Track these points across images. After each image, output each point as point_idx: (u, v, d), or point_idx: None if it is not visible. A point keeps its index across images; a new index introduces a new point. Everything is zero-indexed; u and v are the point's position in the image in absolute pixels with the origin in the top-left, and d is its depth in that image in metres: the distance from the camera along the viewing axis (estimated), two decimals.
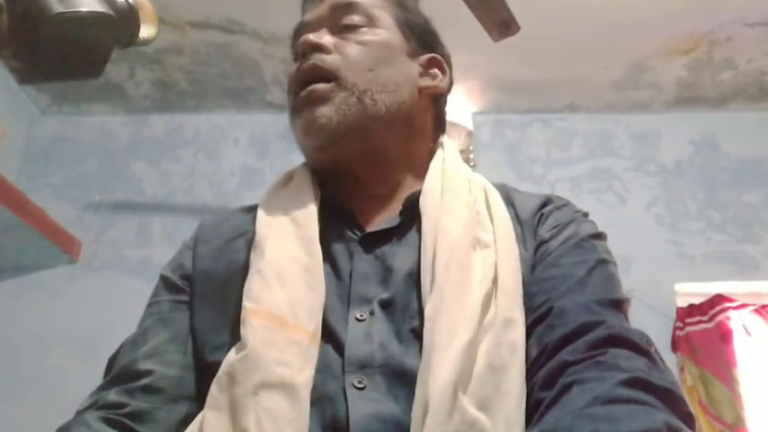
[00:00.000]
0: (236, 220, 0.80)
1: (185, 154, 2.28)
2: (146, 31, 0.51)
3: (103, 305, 1.96)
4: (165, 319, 0.72)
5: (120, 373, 0.68)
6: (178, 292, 0.75)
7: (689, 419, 0.53)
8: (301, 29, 0.82)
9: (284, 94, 2.69)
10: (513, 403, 0.58)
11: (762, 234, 2.09)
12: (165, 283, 0.76)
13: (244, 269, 0.69)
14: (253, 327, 0.61)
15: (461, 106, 2.20)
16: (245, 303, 0.64)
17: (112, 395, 0.65)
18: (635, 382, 0.53)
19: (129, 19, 0.49)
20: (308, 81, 0.75)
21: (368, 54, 0.76)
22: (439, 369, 0.56)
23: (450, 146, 0.83)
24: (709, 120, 2.27)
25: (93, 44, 0.46)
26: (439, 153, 0.80)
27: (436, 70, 0.84)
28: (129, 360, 0.69)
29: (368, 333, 0.63)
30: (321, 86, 0.74)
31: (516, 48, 1.67)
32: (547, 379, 0.58)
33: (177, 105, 2.31)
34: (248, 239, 0.73)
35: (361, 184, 0.78)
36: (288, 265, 0.66)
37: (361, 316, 0.65)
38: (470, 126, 2.16)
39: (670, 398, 0.53)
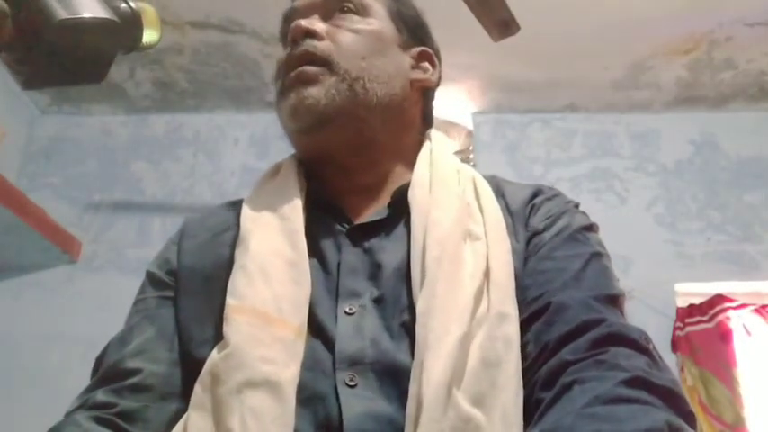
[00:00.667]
0: (222, 216, 0.78)
1: (185, 154, 2.28)
2: (149, 36, 0.51)
3: (103, 305, 1.95)
4: (152, 316, 0.71)
5: (107, 372, 0.67)
6: (164, 288, 0.74)
7: (690, 418, 0.53)
8: (292, 14, 0.81)
9: None
10: (510, 399, 0.57)
11: (762, 234, 2.09)
12: (151, 279, 0.75)
13: (229, 264, 0.68)
14: (236, 323, 0.60)
15: (461, 106, 2.20)
16: (229, 300, 0.63)
17: (100, 395, 0.64)
18: (636, 382, 0.53)
19: (133, 24, 0.49)
20: (299, 66, 0.74)
21: (361, 43, 0.75)
22: (432, 366, 0.55)
23: (438, 138, 0.82)
24: (710, 120, 2.27)
25: (97, 49, 0.46)
26: (427, 145, 0.79)
27: (427, 64, 0.83)
28: (116, 359, 0.68)
29: (358, 328, 0.62)
30: (311, 68, 0.73)
31: (516, 48, 1.67)
32: (547, 378, 0.58)
33: (177, 105, 2.31)
34: (234, 234, 0.72)
35: (348, 175, 0.77)
36: (272, 260, 0.65)
37: (350, 309, 0.64)
38: (470, 126, 2.17)
39: (671, 397, 0.53)
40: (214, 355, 0.60)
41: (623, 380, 0.53)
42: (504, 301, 0.63)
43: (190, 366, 0.66)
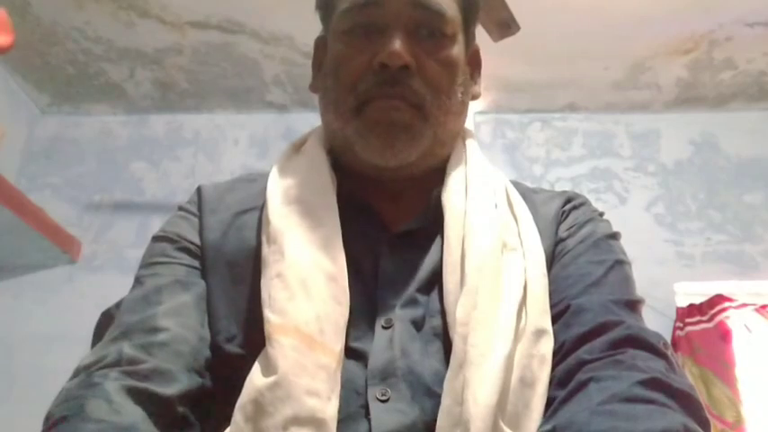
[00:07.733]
0: (241, 192, 0.75)
1: (185, 154, 2.28)
2: None
3: (103, 305, 1.95)
4: (185, 283, 0.67)
5: (133, 326, 0.62)
6: (192, 257, 0.70)
7: (706, 426, 0.53)
8: (371, 5, 0.71)
9: (284, 94, 2.65)
10: (538, 419, 0.57)
11: (762, 234, 2.09)
12: (176, 245, 0.70)
13: (255, 253, 0.66)
14: (281, 347, 0.56)
15: None
16: (269, 316, 0.59)
17: (128, 349, 0.59)
18: (653, 383, 0.53)
19: None
20: (391, 95, 0.69)
21: (447, 78, 0.72)
22: (478, 385, 0.54)
23: (470, 138, 0.80)
24: (710, 120, 2.27)
25: None
26: (460, 148, 0.77)
27: (476, 73, 0.81)
28: (145, 315, 0.63)
29: (390, 339, 0.60)
30: (405, 111, 0.69)
31: (516, 48, 1.66)
32: (563, 377, 0.58)
33: (177, 105, 2.30)
34: (257, 217, 0.69)
35: (386, 180, 0.74)
36: (312, 272, 0.61)
37: (386, 324, 0.62)
38: (471, 126, 2.16)
39: (688, 401, 0.53)
40: (257, 379, 0.56)
41: (641, 380, 0.53)
42: (541, 316, 0.62)
43: (217, 356, 0.64)
